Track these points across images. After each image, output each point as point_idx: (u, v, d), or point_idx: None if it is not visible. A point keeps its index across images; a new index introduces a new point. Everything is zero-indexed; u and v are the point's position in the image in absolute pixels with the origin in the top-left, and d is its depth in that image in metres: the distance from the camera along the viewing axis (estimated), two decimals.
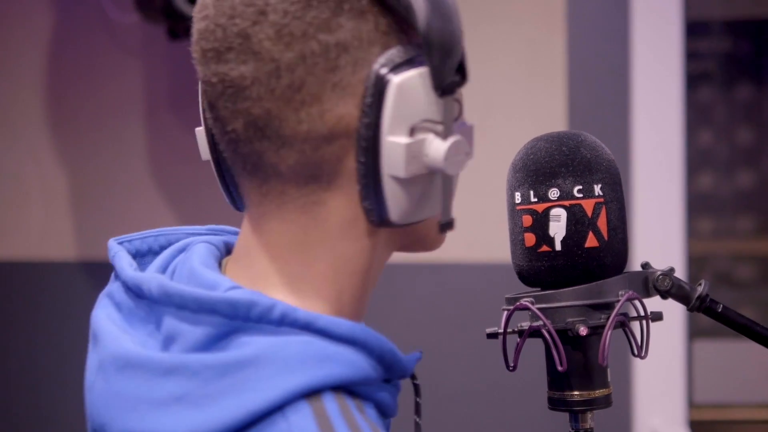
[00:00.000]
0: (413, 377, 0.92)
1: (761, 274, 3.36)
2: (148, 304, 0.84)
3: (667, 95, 2.39)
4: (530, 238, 0.96)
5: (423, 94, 0.79)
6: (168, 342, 0.80)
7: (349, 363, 0.79)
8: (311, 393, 0.77)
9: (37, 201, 2.60)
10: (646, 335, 0.97)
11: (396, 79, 0.78)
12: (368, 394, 0.82)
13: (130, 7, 2.35)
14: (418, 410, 0.96)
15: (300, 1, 0.78)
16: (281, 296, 0.82)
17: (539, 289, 0.97)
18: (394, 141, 0.78)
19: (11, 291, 2.62)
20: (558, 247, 0.94)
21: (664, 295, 0.98)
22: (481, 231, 2.40)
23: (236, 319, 0.78)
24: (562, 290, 0.94)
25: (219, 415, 0.75)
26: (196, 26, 0.82)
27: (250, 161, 0.82)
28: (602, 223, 0.95)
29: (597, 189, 0.95)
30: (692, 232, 2.48)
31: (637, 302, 0.96)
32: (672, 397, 2.38)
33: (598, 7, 2.41)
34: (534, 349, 1.00)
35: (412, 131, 0.79)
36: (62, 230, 2.59)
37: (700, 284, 0.99)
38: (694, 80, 3.21)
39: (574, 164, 0.95)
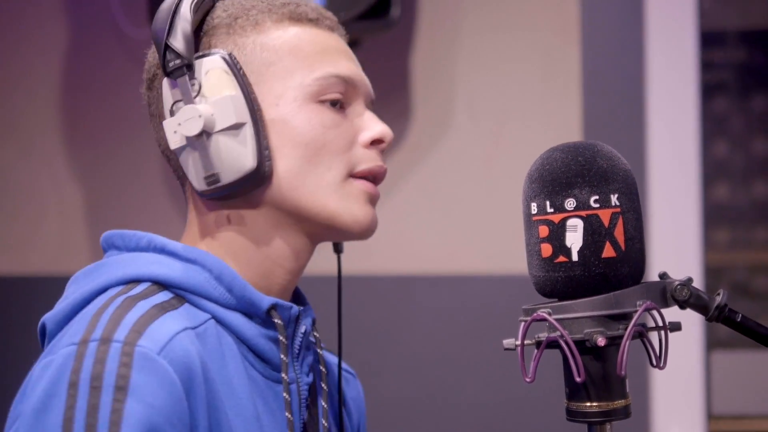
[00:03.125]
0: (270, 314, 1.08)
1: None
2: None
3: (682, 106, 2.39)
4: (547, 249, 0.95)
5: (167, 85, 1.09)
6: None
7: (179, 270, 1.06)
8: (131, 281, 1.05)
9: (53, 215, 2.61)
10: (664, 345, 0.96)
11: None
12: (204, 307, 1.05)
13: (144, 22, 2.36)
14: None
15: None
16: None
17: (556, 299, 0.97)
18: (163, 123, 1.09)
19: (29, 305, 2.63)
20: (575, 257, 0.94)
21: (683, 305, 0.98)
22: (499, 242, 2.40)
23: (123, 249, 1.11)
24: (579, 301, 0.94)
25: (74, 297, 1.06)
26: None
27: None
28: (619, 233, 0.94)
29: (614, 199, 0.94)
30: (708, 243, 2.46)
31: (655, 312, 0.95)
32: (690, 408, 2.37)
33: (612, 17, 2.41)
34: (552, 360, 0.99)
35: (171, 113, 1.08)
36: (78, 243, 2.59)
37: (718, 294, 0.98)
38: (709, 91, 3.19)
39: (591, 174, 0.94)
